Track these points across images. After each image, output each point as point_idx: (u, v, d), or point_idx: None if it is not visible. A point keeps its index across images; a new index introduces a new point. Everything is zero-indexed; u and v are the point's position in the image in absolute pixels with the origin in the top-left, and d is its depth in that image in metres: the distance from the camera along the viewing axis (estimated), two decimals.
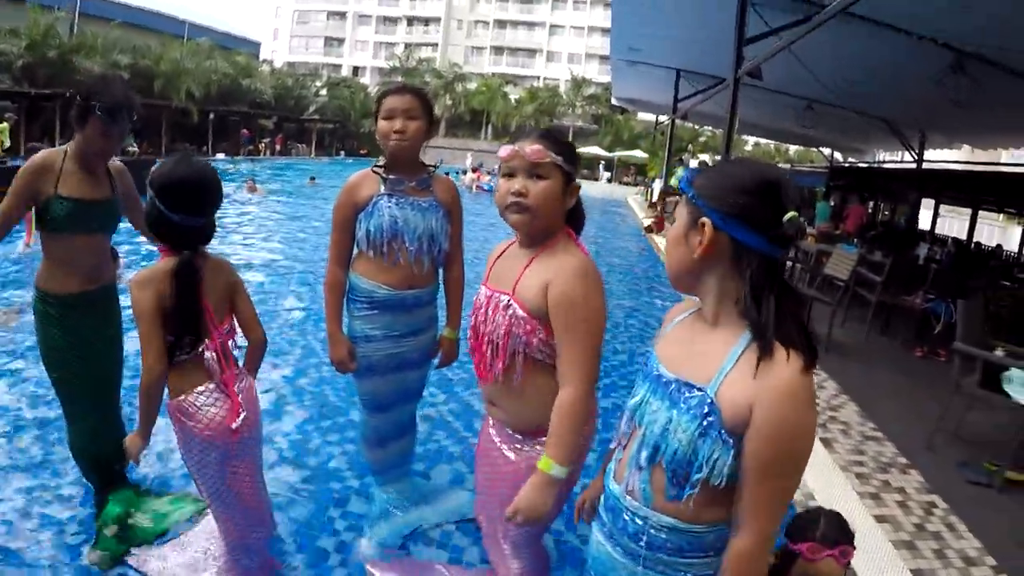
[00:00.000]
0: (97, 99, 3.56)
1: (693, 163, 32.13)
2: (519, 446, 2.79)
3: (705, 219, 1.86)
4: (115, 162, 3.99)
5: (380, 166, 3.66)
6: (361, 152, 56.13)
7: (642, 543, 2.01)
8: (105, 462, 4.15)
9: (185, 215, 2.96)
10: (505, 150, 2.59)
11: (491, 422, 2.92)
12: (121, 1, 49.82)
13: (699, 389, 1.88)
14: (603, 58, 69.35)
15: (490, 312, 2.68)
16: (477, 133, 68.76)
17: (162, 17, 53.62)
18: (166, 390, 3.09)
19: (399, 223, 3.55)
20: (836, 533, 2.80)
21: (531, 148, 2.53)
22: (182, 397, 3.05)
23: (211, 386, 3.09)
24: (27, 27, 35.29)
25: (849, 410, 6.64)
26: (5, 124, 25.09)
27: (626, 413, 2.13)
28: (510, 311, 2.61)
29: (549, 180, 2.56)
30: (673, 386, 1.95)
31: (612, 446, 2.25)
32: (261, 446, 3.45)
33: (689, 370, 1.94)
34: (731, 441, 1.82)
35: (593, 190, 41.82)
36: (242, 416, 3.13)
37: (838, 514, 2.92)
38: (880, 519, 4.57)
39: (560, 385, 2.56)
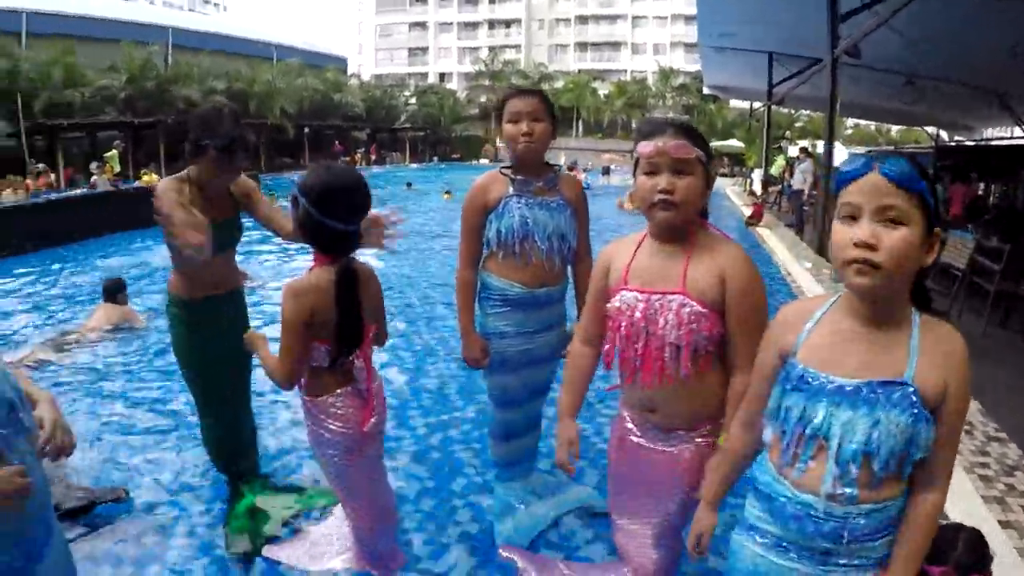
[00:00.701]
0: (210, 136, 3.70)
1: (793, 150, 31.15)
2: (676, 441, 2.75)
3: (938, 228, 1.89)
4: (241, 177, 4.08)
5: (508, 167, 3.70)
6: (454, 157, 56.43)
7: (842, 538, 2.00)
8: (236, 455, 4.47)
9: (339, 220, 2.97)
10: (647, 147, 2.50)
11: (632, 423, 2.86)
12: (210, 31, 52.68)
13: (899, 384, 1.90)
14: (689, 46, 68.54)
15: (656, 316, 2.58)
16: (568, 131, 68.16)
17: (251, 42, 55.35)
18: (300, 388, 3.20)
19: (529, 223, 3.57)
20: (973, 559, 2.69)
21: (674, 144, 2.46)
22: (322, 398, 3.13)
23: (350, 389, 3.16)
24: (124, 62, 37.52)
25: (971, 408, 6.33)
26: (114, 151, 27.40)
27: (794, 430, 2.06)
28: (687, 309, 2.53)
29: (693, 176, 2.50)
30: (864, 391, 1.92)
31: (775, 461, 2.15)
32: (383, 441, 3.51)
33: (875, 370, 1.93)
34: (932, 417, 1.90)
35: None
36: (374, 419, 3.22)
37: (979, 536, 2.80)
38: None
39: (732, 372, 2.57)
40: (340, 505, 3.88)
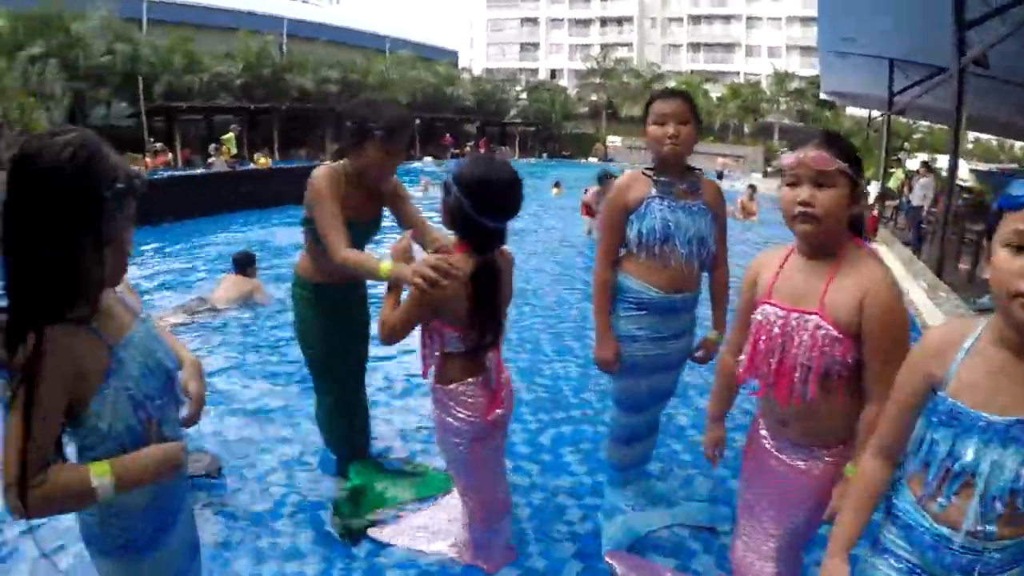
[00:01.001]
0: (374, 122, 3.73)
1: (912, 164, 30.04)
2: (806, 457, 2.70)
3: None
4: (393, 177, 4.14)
5: (650, 168, 3.70)
6: (564, 154, 55.89)
7: (975, 571, 1.96)
8: (348, 435, 4.61)
9: (492, 217, 3.00)
10: (788, 158, 2.48)
11: (766, 431, 2.86)
12: (325, 22, 53.78)
13: None
14: (804, 49, 66.88)
15: (792, 333, 2.54)
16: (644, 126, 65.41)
17: (364, 34, 56.81)
18: (432, 375, 3.30)
19: (671, 226, 3.57)
20: None
21: (814, 156, 2.40)
22: (453, 386, 3.20)
23: (480, 379, 3.22)
24: (241, 51, 38.80)
25: None
26: (231, 135, 28.55)
27: (940, 466, 1.98)
28: (821, 332, 2.48)
29: (835, 188, 2.42)
30: (1015, 429, 1.84)
31: (916, 492, 2.09)
32: (505, 435, 3.58)
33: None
34: None
35: None
36: (501, 410, 3.28)
37: None
38: None
39: (867, 399, 2.51)
40: (451, 494, 4.07)
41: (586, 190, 15.68)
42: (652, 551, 4.02)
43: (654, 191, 3.62)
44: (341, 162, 3.93)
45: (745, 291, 2.82)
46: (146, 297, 9.27)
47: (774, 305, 2.61)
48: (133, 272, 10.16)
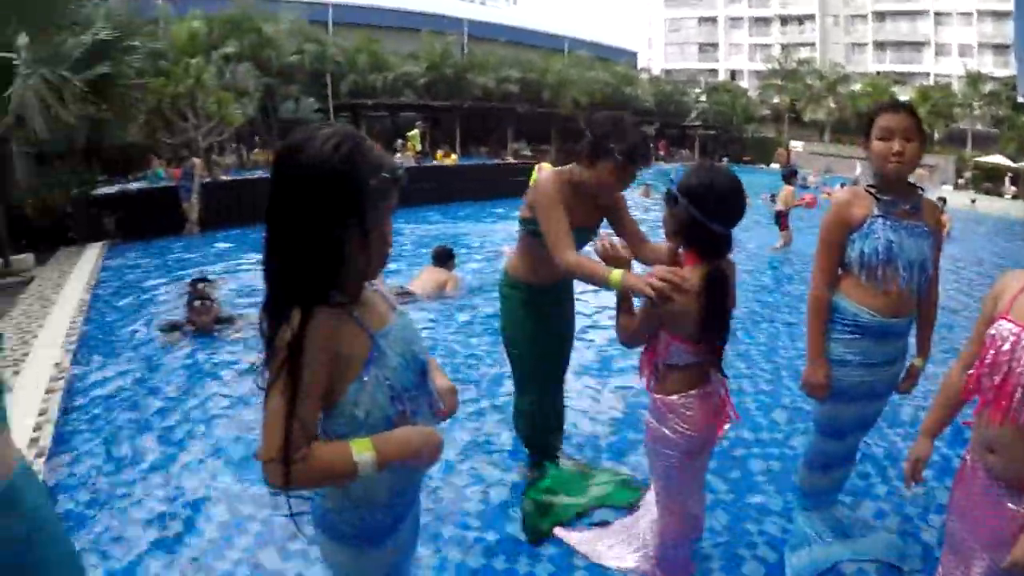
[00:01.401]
0: (618, 141, 3.72)
1: None
2: (1014, 500, 2.51)
3: None
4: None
5: (872, 186, 3.56)
6: (744, 159, 54.08)
7: None
8: (545, 433, 4.72)
9: (721, 223, 2.96)
10: None
11: (976, 464, 2.67)
12: (504, 23, 54.34)
13: None
14: (998, 48, 62.87)
15: (1022, 353, 2.42)
16: (866, 140, 62.35)
17: (542, 34, 57.57)
18: (655, 382, 3.23)
19: (894, 247, 3.44)
20: None
21: None
22: (674, 397, 3.14)
23: (700, 392, 3.15)
24: (424, 51, 40.64)
25: None
26: (416, 131, 29.08)
27: None
28: None
29: None
30: None
31: None
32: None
33: None
34: None
35: (995, 208, 32.36)
36: (728, 424, 3.27)
37: None
38: None
39: None
40: (643, 505, 3.98)
41: (768, 196, 14.63)
42: None
43: (876, 210, 3.49)
44: (568, 167, 3.98)
45: (986, 306, 2.70)
46: None
47: (1011, 321, 2.50)
48: None
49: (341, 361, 1.92)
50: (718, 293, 2.98)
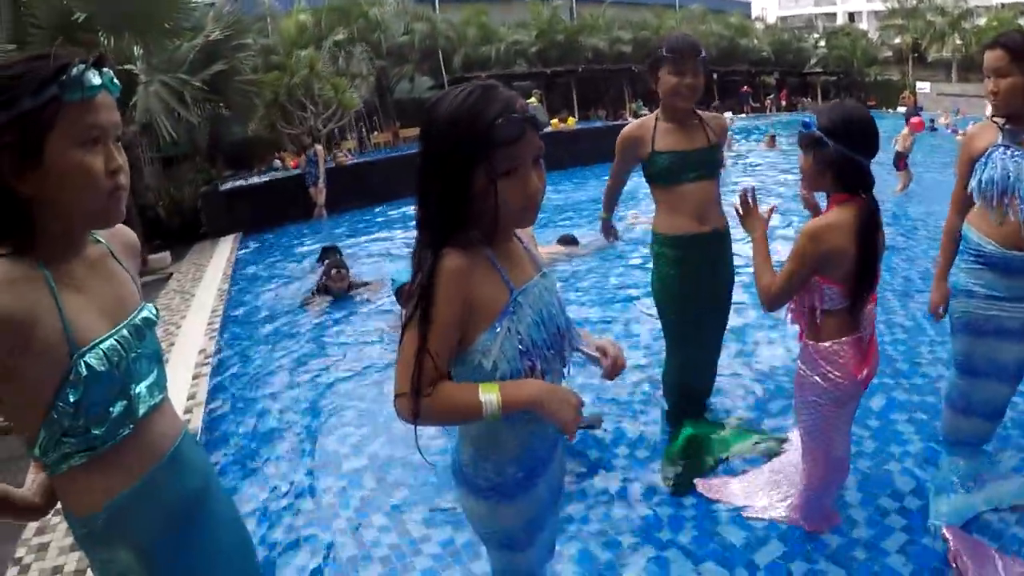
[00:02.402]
0: (660, 48, 3.96)
1: None
2: None
3: None
4: (715, 116, 4.31)
5: (1000, 117, 3.46)
6: (869, 103, 51.92)
7: None
8: (691, 395, 4.73)
9: (864, 156, 2.93)
10: None
11: None
12: None
13: None
14: None
15: None
16: None
17: None
18: (808, 329, 3.20)
19: (1011, 176, 3.33)
20: None
21: None
22: (827, 344, 3.09)
23: (852, 338, 3.09)
24: (532, 18, 40.43)
25: None
26: (534, 98, 29.03)
27: None
28: None
29: None
30: None
31: None
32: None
33: None
34: None
35: None
36: (867, 371, 3.14)
37: None
38: None
39: None
40: (783, 455, 4.18)
41: (896, 140, 13.85)
42: (976, 532, 3.67)
43: (1000, 139, 3.41)
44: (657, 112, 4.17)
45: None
46: None
47: None
48: None
49: (475, 305, 1.96)
50: (873, 228, 2.96)
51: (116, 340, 1.72)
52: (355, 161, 19.38)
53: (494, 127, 1.84)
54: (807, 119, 3.01)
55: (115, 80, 1.68)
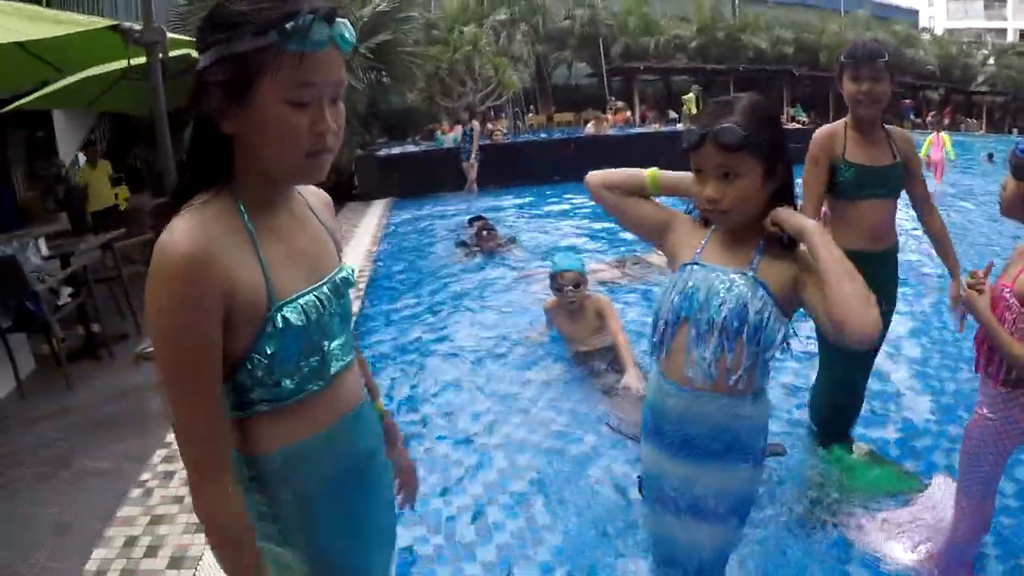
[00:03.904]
0: (841, 54, 3.81)
1: None
2: None
3: None
4: (900, 131, 4.12)
5: None
6: None
7: None
8: (837, 413, 4.51)
9: None
10: None
11: None
12: None
13: None
14: None
15: None
16: None
17: None
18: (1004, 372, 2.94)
19: None
20: None
21: None
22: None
23: None
24: (695, 13, 40.20)
25: None
26: (692, 95, 29.39)
27: None
28: None
29: None
30: None
31: None
32: None
33: None
34: None
35: None
36: None
37: None
38: None
39: None
40: (925, 497, 3.94)
41: None
42: None
43: None
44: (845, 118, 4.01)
45: None
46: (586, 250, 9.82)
47: None
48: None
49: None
50: None
51: (316, 296, 1.68)
52: (510, 140, 19.50)
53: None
54: (1021, 144, 2.82)
55: (347, 35, 1.55)
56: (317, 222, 1.82)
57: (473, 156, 15.68)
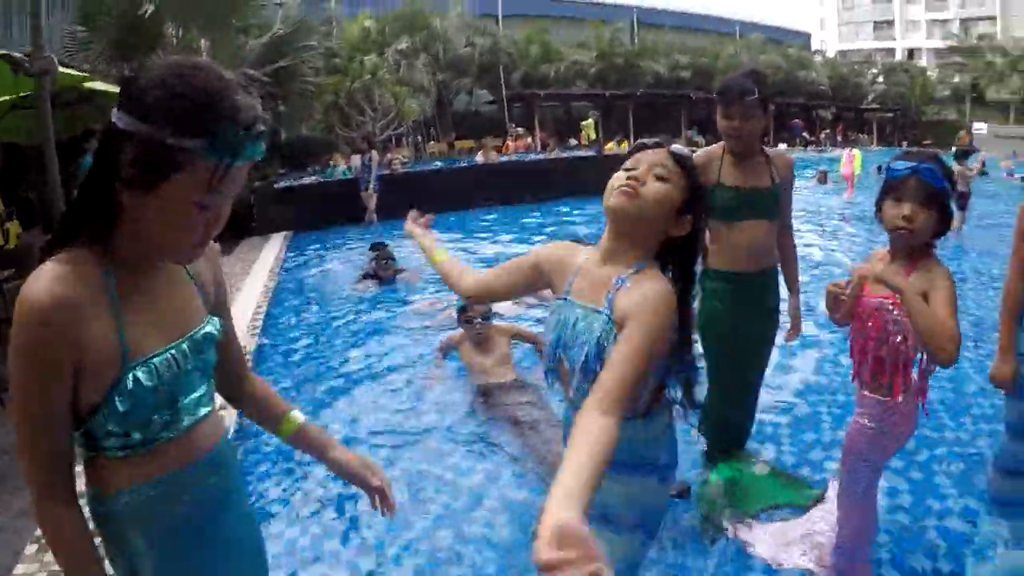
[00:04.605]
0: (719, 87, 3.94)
1: None
2: None
3: None
4: (782, 155, 4.22)
5: None
6: (925, 143, 50.97)
7: None
8: (726, 432, 4.58)
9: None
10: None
11: None
12: (673, 8, 54.80)
13: None
14: None
15: None
16: None
17: (712, 19, 58.25)
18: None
19: None
20: None
21: None
22: (900, 400, 3.01)
23: (915, 390, 3.05)
24: (594, 39, 41.12)
25: None
26: (591, 120, 29.11)
27: None
28: None
29: None
30: None
31: None
32: None
33: None
34: None
35: None
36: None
37: None
38: None
39: None
40: (820, 506, 4.05)
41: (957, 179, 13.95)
42: None
43: None
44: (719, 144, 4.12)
45: None
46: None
47: None
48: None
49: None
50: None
51: (172, 354, 1.67)
52: (408, 169, 19.49)
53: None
54: (925, 168, 2.83)
55: (263, 147, 1.55)
56: (187, 277, 1.79)
57: (372, 186, 15.62)
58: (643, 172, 2.15)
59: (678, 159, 2.17)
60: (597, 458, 1.75)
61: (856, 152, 19.74)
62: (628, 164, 2.21)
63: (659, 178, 2.14)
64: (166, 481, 1.72)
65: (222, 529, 1.90)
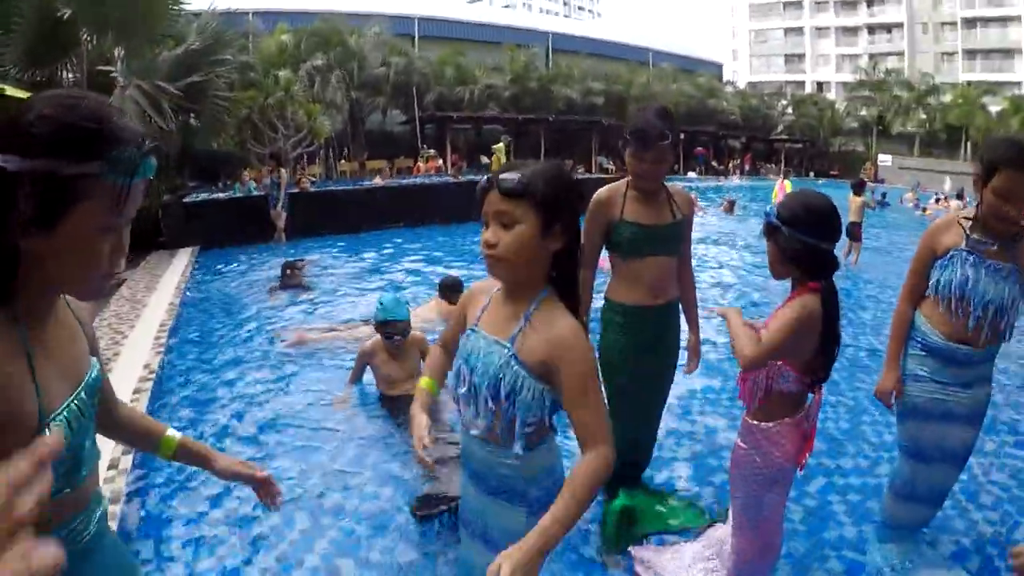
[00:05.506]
0: (629, 126, 3.86)
1: None
2: None
3: None
4: (681, 191, 4.20)
5: (968, 218, 3.54)
6: (832, 173, 52.73)
7: None
8: (626, 463, 4.28)
9: (830, 241, 2.98)
10: None
11: None
12: (587, 35, 54.91)
13: None
14: None
15: None
16: (954, 152, 59.32)
17: (626, 47, 57.84)
18: (755, 407, 3.20)
19: (968, 285, 3.46)
20: None
21: None
22: (771, 424, 3.13)
23: (794, 419, 3.12)
24: (508, 63, 41.45)
25: None
26: (502, 144, 29.60)
27: None
28: None
29: None
30: None
31: None
32: None
33: None
34: None
35: None
36: (808, 455, 3.20)
37: None
38: None
39: None
40: (715, 528, 4.12)
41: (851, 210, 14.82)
42: None
43: (964, 244, 3.50)
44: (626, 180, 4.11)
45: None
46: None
47: None
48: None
49: None
50: (835, 315, 3.02)
51: (76, 403, 1.64)
52: (318, 188, 19.51)
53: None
54: (768, 209, 3.04)
55: (154, 163, 1.54)
56: (74, 319, 1.77)
57: (281, 204, 15.61)
58: (492, 232, 2.15)
59: (509, 194, 2.12)
60: (565, 493, 2.02)
61: (788, 184, 20.11)
62: (483, 213, 2.21)
63: (505, 226, 2.13)
64: (62, 531, 1.68)
65: (96, 571, 1.84)
